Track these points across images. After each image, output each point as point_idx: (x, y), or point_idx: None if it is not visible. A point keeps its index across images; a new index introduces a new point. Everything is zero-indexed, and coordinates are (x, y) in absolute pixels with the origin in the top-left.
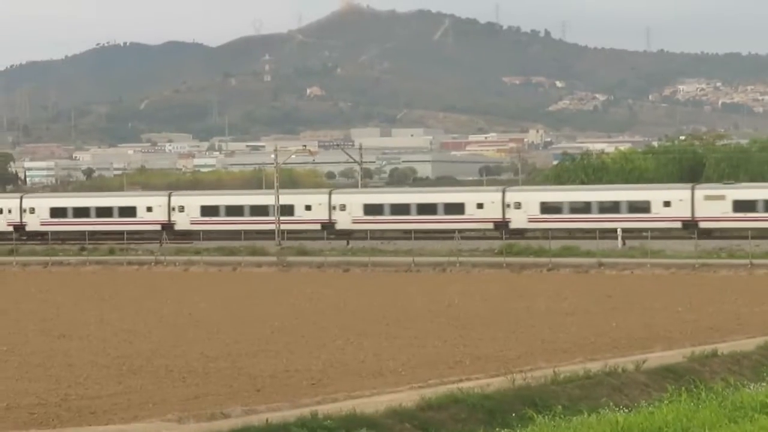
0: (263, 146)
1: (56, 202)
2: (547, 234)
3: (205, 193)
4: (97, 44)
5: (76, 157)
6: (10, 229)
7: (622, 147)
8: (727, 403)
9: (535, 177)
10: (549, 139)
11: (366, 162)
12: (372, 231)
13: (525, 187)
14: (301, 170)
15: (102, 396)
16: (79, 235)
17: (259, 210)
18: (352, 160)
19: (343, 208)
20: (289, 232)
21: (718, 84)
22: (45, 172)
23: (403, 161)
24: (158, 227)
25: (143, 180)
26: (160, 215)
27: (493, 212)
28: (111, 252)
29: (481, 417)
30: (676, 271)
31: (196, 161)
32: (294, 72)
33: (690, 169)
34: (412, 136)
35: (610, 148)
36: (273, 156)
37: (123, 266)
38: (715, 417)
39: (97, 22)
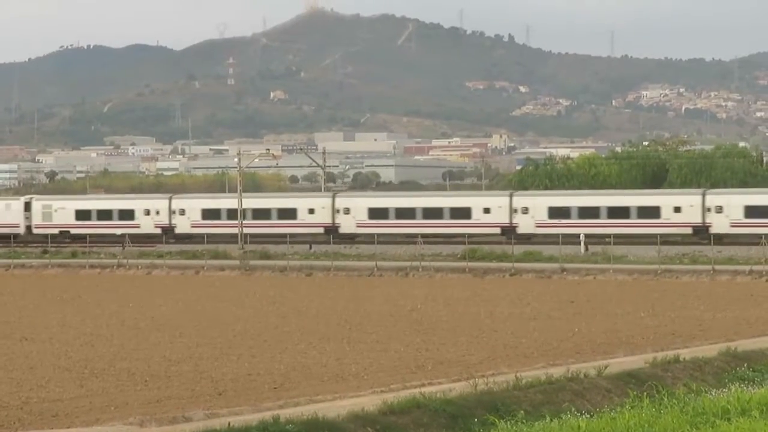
0: (226, 150)
1: (209, 203)
2: (754, 240)
3: (373, 194)
4: (61, 47)
5: (38, 159)
6: (158, 231)
7: (586, 152)
8: (688, 408)
9: (498, 182)
10: (512, 144)
11: (329, 166)
12: (556, 235)
13: (728, 189)
14: (264, 174)
15: (64, 399)
16: (232, 238)
17: (433, 213)
18: (316, 164)
19: (525, 210)
20: (465, 236)
21: (682, 90)
22: (8, 175)
23: (367, 165)
24: (321, 230)
25: (106, 183)
26: (323, 218)
27: (692, 216)
28: (73, 255)
29: (444, 422)
30: (639, 277)
31: (160, 164)
32: (258, 75)
33: (653, 174)
34: (375, 140)
35: (573, 154)
36: (236, 160)
37: (85, 269)
38: (677, 423)
39: (61, 24)
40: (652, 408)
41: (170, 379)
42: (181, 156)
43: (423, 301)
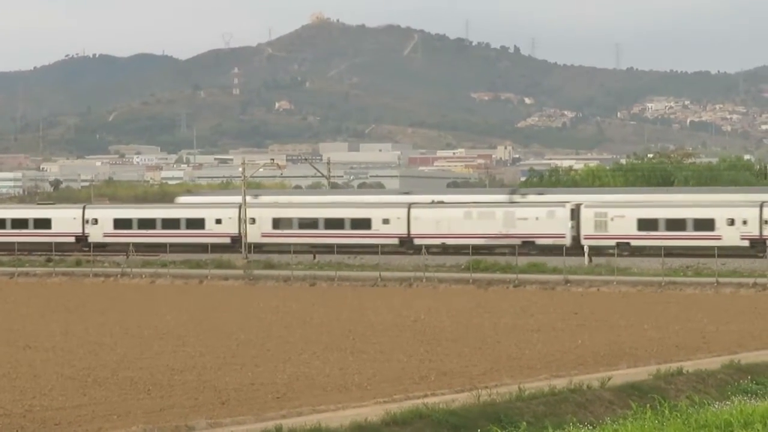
0: (231, 159)
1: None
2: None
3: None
4: (66, 56)
5: (43, 168)
6: (745, 243)
7: (590, 164)
8: (691, 421)
9: None
10: (517, 156)
11: (334, 176)
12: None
13: None
14: (268, 184)
15: (67, 407)
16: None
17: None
18: (320, 174)
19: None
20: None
21: (687, 102)
22: (12, 183)
23: (371, 176)
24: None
25: (110, 192)
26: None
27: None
28: (77, 264)
29: None
30: (643, 289)
31: (164, 174)
32: (263, 85)
33: (658, 186)
34: (380, 150)
35: (578, 165)
36: (241, 169)
37: (89, 278)
38: None
39: (67, 33)
40: (654, 420)
41: (173, 388)
42: (185, 165)
43: (426, 312)
